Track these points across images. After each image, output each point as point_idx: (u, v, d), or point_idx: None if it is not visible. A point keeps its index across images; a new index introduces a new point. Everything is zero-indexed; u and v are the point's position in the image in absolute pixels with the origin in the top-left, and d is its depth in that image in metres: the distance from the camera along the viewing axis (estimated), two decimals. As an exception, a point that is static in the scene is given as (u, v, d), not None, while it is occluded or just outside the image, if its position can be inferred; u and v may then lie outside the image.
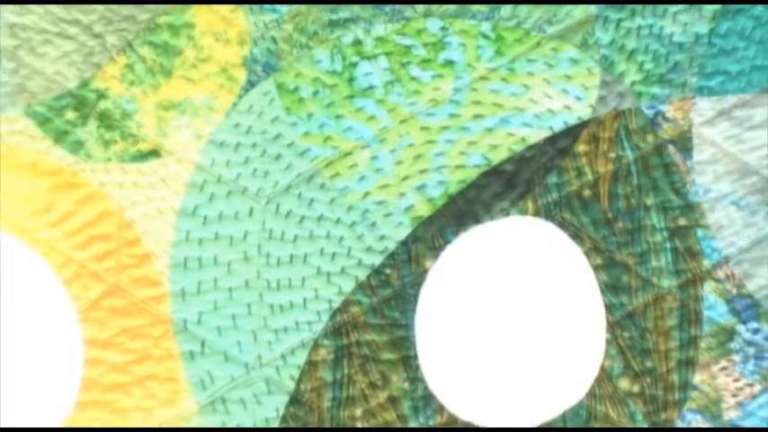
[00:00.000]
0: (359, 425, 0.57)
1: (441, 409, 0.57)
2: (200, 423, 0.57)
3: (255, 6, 0.57)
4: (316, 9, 0.57)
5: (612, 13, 0.57)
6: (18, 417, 0.56)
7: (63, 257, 0.56)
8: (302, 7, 0.57)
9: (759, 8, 0.56)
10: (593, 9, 0.57)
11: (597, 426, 0.57)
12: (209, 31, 0.57)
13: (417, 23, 0.57)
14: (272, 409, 0.56)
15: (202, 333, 0.57)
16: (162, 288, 0.57)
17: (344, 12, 0.57)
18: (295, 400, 0.57)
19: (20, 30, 0.56)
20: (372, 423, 0.57)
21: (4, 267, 0.56)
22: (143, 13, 0.56)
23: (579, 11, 0.57)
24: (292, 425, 0.57)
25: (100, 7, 0.56)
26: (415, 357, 0.57)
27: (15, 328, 0.57)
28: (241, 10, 0.57)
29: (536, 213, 0.57)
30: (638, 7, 0.57)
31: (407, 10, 0.57)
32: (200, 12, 0.57)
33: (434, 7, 0.57)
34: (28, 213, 0.57)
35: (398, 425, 0.57)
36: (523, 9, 0.57)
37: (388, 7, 0.57)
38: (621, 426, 0.57)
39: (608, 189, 0.57)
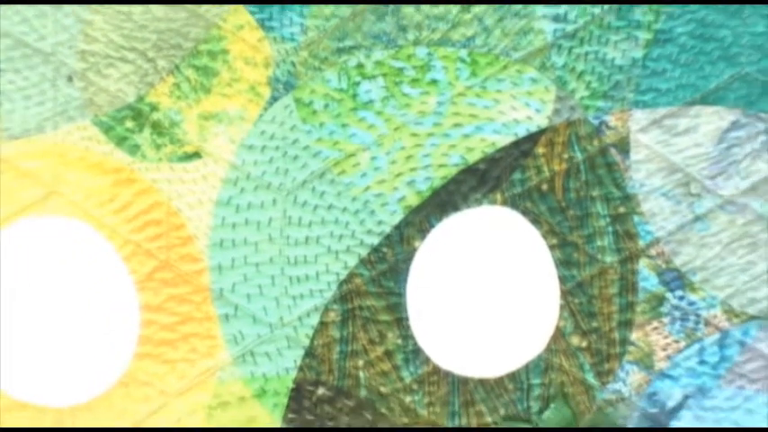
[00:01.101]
0: (361, 374, 0.58)
1: (427, 360, 0.58)
2: (233, 372, 0.58)
3: (278, 36, 0.58)
4: (326, 39, 0.58)
5: (565, 41, 0.58)
6: (90, 365, 0.58)
7: (123, 239, 0.58)
8: (315, 37, 0.58)
9: (684, 38, 0.57)
10: (549, 38, 0.58)
11: (554, 376, 0.58)
12: (241, 56, 0.58)
13: (408, 50, 0.58)
14: (290, 361, 0.58)
15: (235, 299, 0.58)
16: (202, 263, 0.58)
17: (349, 41, 0.58)
18: (309, 353, 0.58)
19: (89, 55, 0.58)
20: (372, 372, 0.58)
21: (78, 248, 0.58)
22: (187, 41, 0.58)
23: (538, 40, 0.58)
24: (308, 374, 0.58)
25: (153, 37, 0.58)
26: (407, 319, 0.58)
27: (87, 296, 0.58)
28: (266, 40, 0.58)
29: (503, 203, 0.58)
30: (586, 36, 0.58)
31: (400, 39, 0.58)
32: (233, 41, 0.58)
33: (422, 37, 0.58)
34: (95, 204, 0.58)
35: (393, 374, 0.58)
36: (493, 38, 0.58)
37: (384, 37, 0.58)
38: (574, 375, 0.58)
39: (562, 183, 0.58)
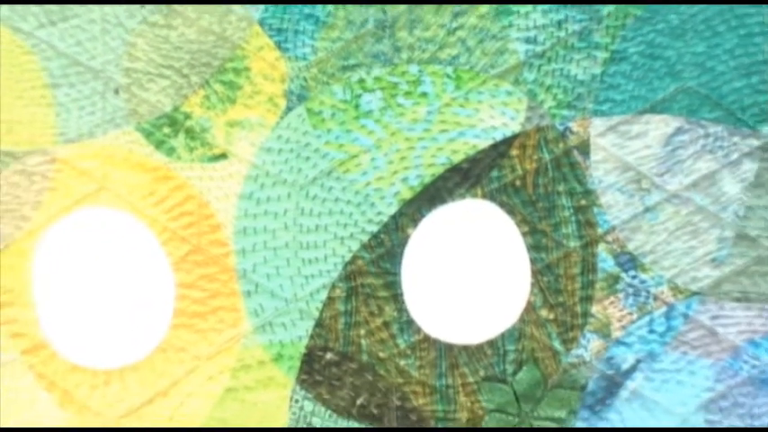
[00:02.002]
0: (363, 341, 0.60)
1: (418, 329, 0.60)
2: (254, 340, 0.60)
3: (292, 55, 0.60)
4: (333, 58, 0.60)
5: (535, 60, 0.60)
6: (134, 333, 0.60)
7: (161, 227, 0.60)
8: (324, 57, 0.60)
9: (636, 57, 0.59)
10: (522, 57, 0.59)
11: (526, 343, 0.60)
12: (261, 73, 0.60)
13: (402, 67, 0.60)
14: (303, 330, 0.60)
15: (256, 278, 0.60)
16: (228, 247, 0.60)
17: (353, 60, 0.60)
18: (319, 323, 0.60)
19: (132, 72, 0.61)
20: (372, 340, 0.60)
21: (123, 234, 0.60)
22: (215, 60, 0.60)
23: (513, 59, 0.60)
24: (317, 342, 0.60)
25: (186, 56, 0.60)
26: (401, 295, 0.60)
27: (131, 275, 0.60)
28: (282, 59, 0.60)
29: (483, 197, 0.60)
30: (553, 56, 0.59)
31: (395, 58, 0.60)
32: (254, 59, 0.60)
33: (414, 56, 0.60)
34: (138, 197, 0.60)
35: (390, 342, 0.60)
36: (475, 57, 0.60)
37: (382, 56, 0.60)
38: (543, 342, 0.60)
39: (532, 180, 0.60)
